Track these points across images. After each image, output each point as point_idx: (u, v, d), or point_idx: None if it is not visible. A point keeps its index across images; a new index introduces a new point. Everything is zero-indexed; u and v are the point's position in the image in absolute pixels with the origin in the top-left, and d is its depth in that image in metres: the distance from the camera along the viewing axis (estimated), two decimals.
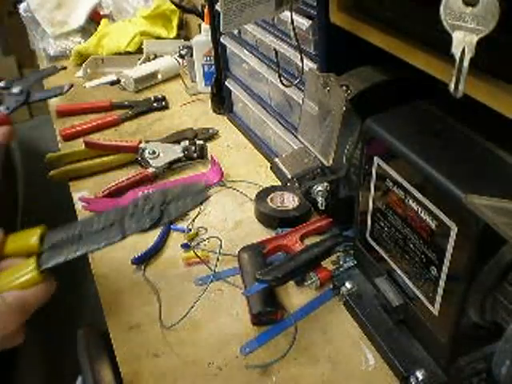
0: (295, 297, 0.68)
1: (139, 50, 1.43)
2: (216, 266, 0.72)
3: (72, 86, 0.74)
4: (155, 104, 1.20)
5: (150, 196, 0.51)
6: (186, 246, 0.77)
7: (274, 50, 0.79)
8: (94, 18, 1.55)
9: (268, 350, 0.61)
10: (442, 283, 0.48)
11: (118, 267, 0.74)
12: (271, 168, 0.79)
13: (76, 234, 0.49)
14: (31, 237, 0.48)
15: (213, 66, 1.13)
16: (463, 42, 0.36)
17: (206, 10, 1.10)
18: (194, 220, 0.82)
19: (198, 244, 0.78)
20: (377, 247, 0.59)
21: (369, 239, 0.61)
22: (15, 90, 0.66)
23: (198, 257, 0.74)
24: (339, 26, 0.62)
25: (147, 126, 1.13)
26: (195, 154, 0.97)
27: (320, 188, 0.68)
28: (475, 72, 0.39)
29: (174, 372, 0.60)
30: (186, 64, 1.32)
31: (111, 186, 0.88)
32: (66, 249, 0.48)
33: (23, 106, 0.67)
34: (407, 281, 0.55)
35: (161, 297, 0.69)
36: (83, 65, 1.38)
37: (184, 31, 1.54)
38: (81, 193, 0.91)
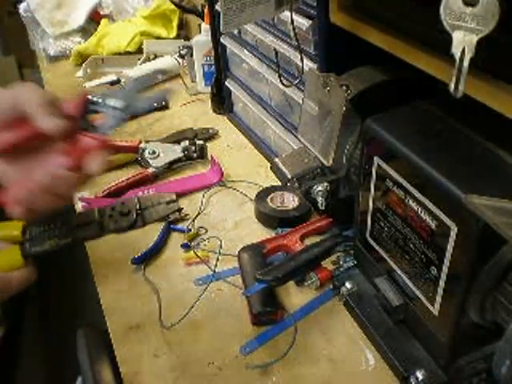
0: (295, 297, 0.68)
1: (139, 50, 1.43)
2: (216, 265, 0.72)
3: (169, 93, 0.63)
4: (155, 104, 1.20)
5: (126, 202, 0.56)
6: (186, 246, 0.77)
7: (274, 50, 0.79)
8: (94, 18, 1.55)
9: (268, 350, 0.61)
10: (442, 283, 0.48)
11: (117, 267, 0.74)
12: (271, 168, 0.79)
13: (57, 227, 0.53)
14: (14, 227, 0.53)
15: (213, 66, 1.13)
16: (463, 42, 0.36)
17: (206, 10, 1.10)
18: (193, 220, 0.82)
19: (198, 244, 0.78)
20: (377, 247, 0.59)
21: (369, 239, 0.61)
22: (114, 103, 0.52)
23: (198, 257, 0.74)
24: (339, 26, 0.61)
25: (147, 126, 1.13)
26: (195, 154, 0.97)
27: (320, 188, 0.68)
28: (475, 72, 0.39)
29: (174, 372, 0.60)
30: (185, 64, 1.32)
31: (111, 186, 0.88)
32: (48, 240, 0.52)
33: (125, 122, 0.53)
34: (407, 281, 0.55)
35: (161, 297, 0.69)
36: (83, 65, 1.38)
37: (184, 31, 1.54)
38: (81, 193, 0.91)
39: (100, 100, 0.52)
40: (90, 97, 0.52)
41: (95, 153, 0.49)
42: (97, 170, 0.49)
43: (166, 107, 1.20)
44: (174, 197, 0.57)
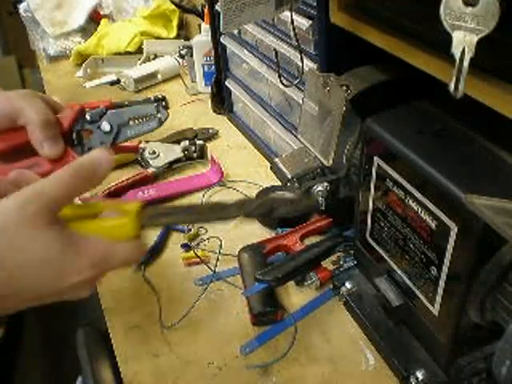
0: (295, 297, 0.68)
1: (139, 50, 1.43)
2: (216, 265, 0.72)
3: (168, 115, 0.58)
4: (155, 104, 1.20)
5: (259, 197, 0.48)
6: (186, 246, 0.77)
7: (274, 50, 0.79)
8: (94, 18, 1.55)
9: (268, 349, 0.61)
10: (442, 283, 0.48)
11: None
12: (271, 168, 0.79)
13: (179, 210, 0.46)
14: (131, 203, 0.44)
15: (213, 66, 1.13)
16: (463, 41, 0.36)
17: (205, 10, 1.10)
18: None
19: (198, 244, 0.78)
20: (377, 247, 0.59)
21: (369, 239, 0.61)
22: (105, 126, 0.54)
23: (198, 257, 0.74)
24: (339, 26, 0.61)
25: None
26: (195, 154, 0.97)
27: (320, 188, 0.68)
28: (475, 72, 0.39)
29: (174, 372, 0.60)
30: (185, 64, 1.32)
31: (111, 186, 0.88)
32: (168, 216, 0.45)
33: (108, 146, 0.53)
34: (407, 281, 0.55)
35: (161, 297, 0.69)
36: (83, 65, 1.38)
37: (184, 31, 1.54)
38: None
39: (95, 119, 0.53)
40: (86, 114, 0.53)
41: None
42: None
43: (166, 107, 1.20)
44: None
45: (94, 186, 0.41)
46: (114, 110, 0.54)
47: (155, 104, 0.56)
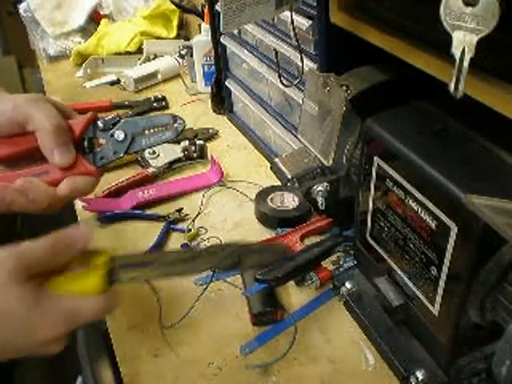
0: (295, 297, 0.68)
1: (139, 50, 1.43)
2: None
3: (185, 126, 0.54)
4: (155, 104, 1.20)
5: (227, 245, 0.48)
6: (186, 246, 0.77)
7: (274, 50, 0.79)
8: (94, 18, 1.55)
9: (268, 349, 0.61)
10: (441, 283, 0.48)
11: None
12: (271, 168, 0.79)
13: (150, 260, 0.46)
14: (100, 254, 0.44)
15: (213, 66, 1.13)
16: (463, 41, 0.36)
17: (205, 10, 1.10)
18: (193, 220, 0.82)
19: (198, 244, 0.78)
20: (377, 247, 0.59)
21: (369, 239, 0.61)
22: (119, 134, 0.51)
23: None
24: (339, 26, 0.61)
25: None
26: (195, 154, 0.97)
27: (320, 188, 0.68)
28: (475, 72, 0.39)
29: (174, 372, 0.60)
30: (186, 64, 1.32)
31: (111, 186, 0.88)
32: (140, 270, 0.45)
33: (121, 157, 0.51)
34: (407, 281, 0.55)
35: (161, 297, 0.69)
36: (83, 65, 1.38)
37: (184, 31, 1.54)
38: None
39: (109, 126, 0.51)
40: (99, 121, 0.51)
41: (74, 178, 0.48)
42: (64, 193, 0.48)
43: (166, 107, 1.20)
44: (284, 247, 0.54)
45: (70, 258, 0.43)
46: (128, 119, 0.53)
47: (172, 115, 0.54)
